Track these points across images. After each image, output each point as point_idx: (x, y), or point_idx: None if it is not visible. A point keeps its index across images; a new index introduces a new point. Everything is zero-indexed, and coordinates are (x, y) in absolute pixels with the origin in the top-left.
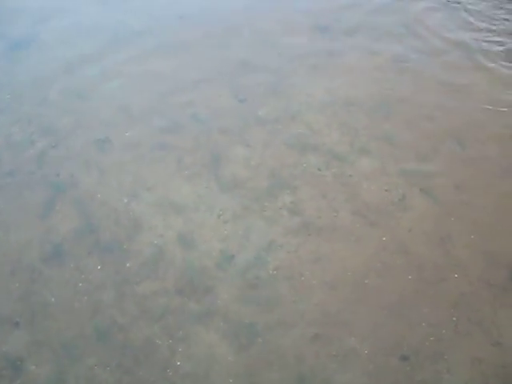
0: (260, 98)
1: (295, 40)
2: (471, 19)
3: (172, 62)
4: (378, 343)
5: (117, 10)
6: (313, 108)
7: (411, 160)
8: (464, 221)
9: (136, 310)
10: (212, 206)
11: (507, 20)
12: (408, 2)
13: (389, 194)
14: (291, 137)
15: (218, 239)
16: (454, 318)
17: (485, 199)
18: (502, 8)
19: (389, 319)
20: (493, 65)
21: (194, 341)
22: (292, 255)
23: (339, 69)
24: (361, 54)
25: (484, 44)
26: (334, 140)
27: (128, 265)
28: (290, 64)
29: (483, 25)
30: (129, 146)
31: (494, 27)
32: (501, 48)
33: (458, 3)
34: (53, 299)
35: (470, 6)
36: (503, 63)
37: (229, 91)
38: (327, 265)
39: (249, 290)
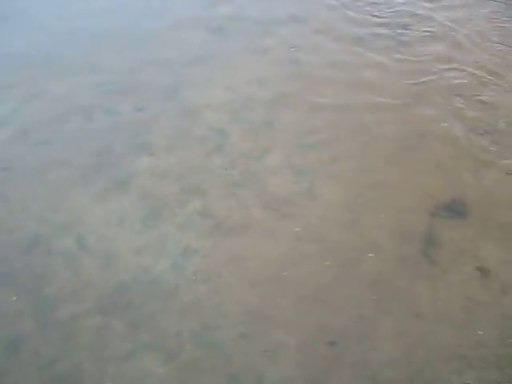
0: (158, 104)
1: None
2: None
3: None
4: (304, 333)
5: None
6: (213, 108)
7: (316, 152)
8: (372, 202)
9: (59, 337)
10: (123, 219)
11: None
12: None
13: (297, 186)
14: (194, 140)
15: (133, 252)
16: (374, 297)
17: (390, 177)
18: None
19: (312, 307)
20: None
21: (122, 358)
22: (208, 258)
23: (235, 67)
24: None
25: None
26: (238, 138)
27: (45, 291)
28: (186, 66)
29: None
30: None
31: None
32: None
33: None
34: None
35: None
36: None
37: (128, 99)
38: (244, 262)
39: (169, 298)
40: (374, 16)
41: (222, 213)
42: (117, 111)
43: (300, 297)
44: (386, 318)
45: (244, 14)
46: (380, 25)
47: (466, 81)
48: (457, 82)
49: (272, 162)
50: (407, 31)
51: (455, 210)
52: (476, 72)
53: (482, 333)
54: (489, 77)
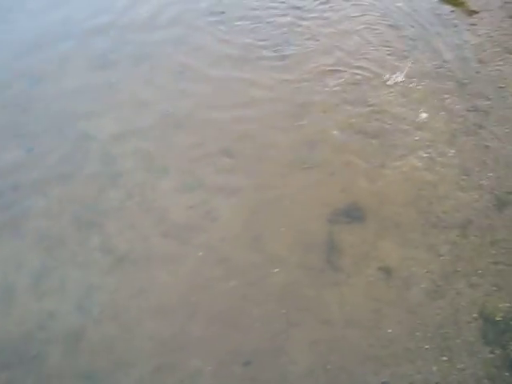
0: (47, 144)
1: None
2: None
3: None
4: (218, 357)
5: None
6: (102, 140)
7: (211, 172)
8: (271, 217)
9: None
10: (21, 265)
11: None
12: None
13: (195, 210)
14: (87, 176)
15: (35, 299)
16: (284, 311)
17: (286, 190)
18: None
19: (223, 330)
20: None
21: None
22: (114, 294)
23: (121, 99)
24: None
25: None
26: (130, 168)
27: None
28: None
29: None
30: None
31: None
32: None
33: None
34: None
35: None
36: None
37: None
38: (151, 294)
39: (77, 341)
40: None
41: (122, 246)
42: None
43: (211, 321)
44: (297, 329)
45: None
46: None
47: (349, 88)
48: (341, 90)
49: (167, 187)
50: (290, 48)
51: (352, 214)
52: (359, 77)
53: (391, 331)
54: (373, 82)
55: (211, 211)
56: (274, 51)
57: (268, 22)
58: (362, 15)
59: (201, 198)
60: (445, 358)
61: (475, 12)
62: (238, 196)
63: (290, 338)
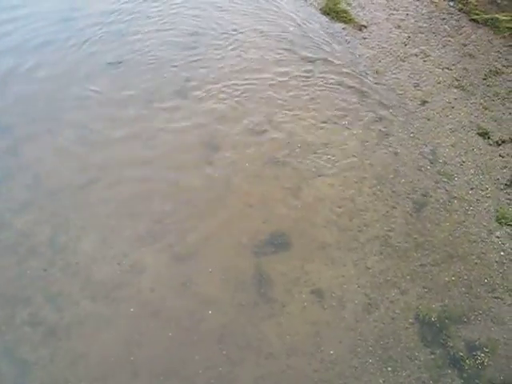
0: None
1: None
2: None
3: None
4: None
5: None
6: (16, 210)
7: (128, 224)
8: (197, 259)
9: None
10: None
11: None
12: None
13: (120, 266)
14: (5, 247)
15: None
16: (225, 352)
17: (208, 231)
18: None
19: (169, 383)
20: None
21: None
22: (49, 367)
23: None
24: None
25: None
26: (49, 234)
27: None
28: None
29: None
30: None
31: None
32: None
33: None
34: None
35: None
36: None
37: None
38: (88, 360)
39: None
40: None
41: (52, 316)
42: None
43: (154, 377)
44: (241, 368)
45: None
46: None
47: (255, 119)
48: (247, 121)
49: (89, 248)
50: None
51: (277, 243)
52: (264, 104)
53: (333, 352)
54: (275, 109)
55: (136, 264)
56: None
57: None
58: (256, 49)
59: (123, 252)
60: (389, 369)
61: (364, 26)
62: (160, 243)
63: (235, 377)
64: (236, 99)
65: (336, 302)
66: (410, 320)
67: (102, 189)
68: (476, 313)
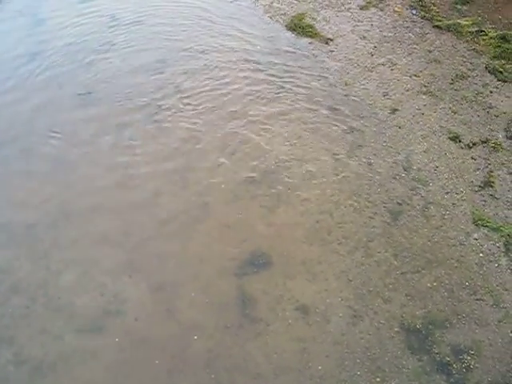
0: None
1: None
2: None
3: None
4: None
5: None
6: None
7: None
8: (178, 284)
9: None
10: None
11: None
12: None
13: (103, 297)
14: None
15: None
16: (213, 376)
17: (187, 255)
18: None
19: None
20: None
21: None
22: None
23: None
24: None
25: None
26: (29, 270)
27: None
28: None
29: None
30: None
31: None
32: None
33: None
34: None
35: None
36: None
37: None
38: None
39: None
40: None
41: (37, 353)
42: None
43: None
44: None
45: None
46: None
47: (226, 139)
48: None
49: (69, 281)
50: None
51: (257, 262)
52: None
53: (321, 367)
54: (249, 126)
55: (118, 294)
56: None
57: None
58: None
59: (104, 283)
60: (378, 380)
61: (331, 40)
62: (142, 271)
63: None
64: (204, 117)
65: (320, 317)
66: (396, 329)
67: (78, 221)
68: (459, 316)
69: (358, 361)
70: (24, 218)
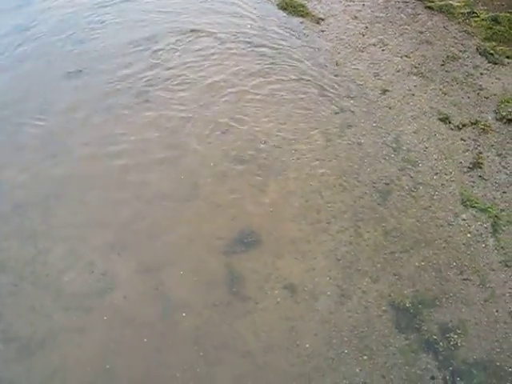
0: None
1: None
2: None
3: None
4: None
5: None
6: None
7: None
8: (166, 262)
9: None
10: None
11: None
12: None
13: (94, 275)
14: None
15: None
16: (202, 353)
17: (176, 234)
18: None
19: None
20: None
21: None
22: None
23: None
24: None
25: None
26: (16, 248)
27: None
28: None
29: None
30: None
31: None
32: None
33: None
34: None
35: None
36: None
37: None
38: (66, 373)
39: None
40: None
41: (25, 331)
42: None
43: (131, 383)
44: (219, 368)
45: None
46: None
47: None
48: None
49: (59, 257)
50: None
51: (246, 241)
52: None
53: (308, 345)
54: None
55: (107, 271)
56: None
57: None
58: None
59: (93, 260)
60: (365, 358)
61: (322, 19)
62: (130, 249)
63: (214, 378)
64: (193, 93)
65: (309, 296)
66: (384, 308)
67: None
68: (447, 295)
69: (346, 339)
70: None
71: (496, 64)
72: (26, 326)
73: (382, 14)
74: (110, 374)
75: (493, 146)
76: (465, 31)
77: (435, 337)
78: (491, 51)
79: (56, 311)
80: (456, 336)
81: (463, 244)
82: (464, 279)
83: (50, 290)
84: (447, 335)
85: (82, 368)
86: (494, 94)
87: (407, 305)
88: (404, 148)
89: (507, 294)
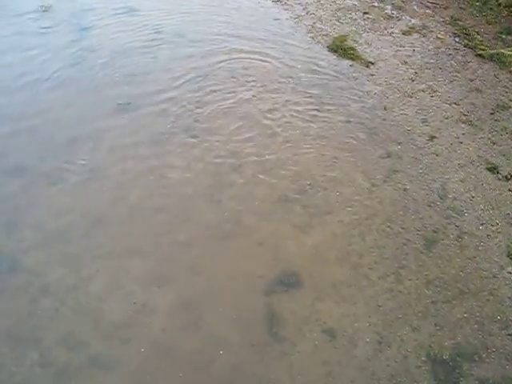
0: None
1: None
2: None
3: None
4: None
5: None
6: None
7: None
8: (207, 299)
9: None
10: None
11: None
12: None
13: (131, 305)
14: (13, 288)
15: None
16: None
17: (217, 271)
18: None
19: None
20: None
21: None
22: None
23: None
24: None
25: None
26: (60, 275)
27: None
28: None
29: None
30: None
31: None
32: None
33: None
34: None
35: None
36: None
37: None
38: None
39: None
40: None
41: (63, 357)
42: None
43: None
44: None
45: None
46: None
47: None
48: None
49: (100, 287)
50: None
51: (287, 282)
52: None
53: None
54: (288, 148)
55: (147, 303)
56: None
57: None
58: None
59: (134, 291)
60: None
61: (371, 63)
62: (171, 283)
63: None
64: (244, 136)
65: (347, 341)
66: (423, 358)
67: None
68: (489, 350)
69: None
70: None
71: None
72: (64, 351)
73: (432, 60)
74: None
75: None
76: None
77: None
78: None
79: (94, 339)
80: None
81: (508, 298)
82: (508, 334)
83: (90, 318)
84: None
85: None
86: None
87: (447, 357)
88: (450, 196)
89: None
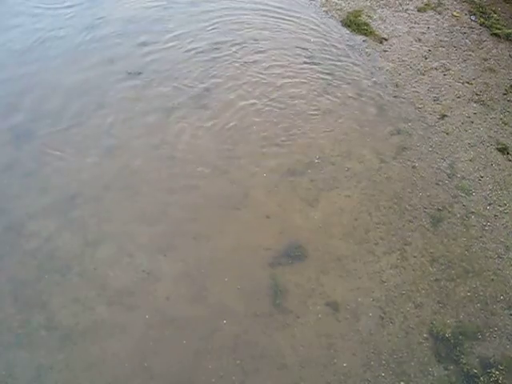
0: None
1: None
2: None
3: None
4: None
5: None
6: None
7: (145, 233)
8: (212, 268)
9: None
10: None
11: None
12: None
13: (136, 273)
14: (23, 252)
15: None
16: (238, 361)
17: (224, 241)
18: None
19: None
20: None
21: None
22: (65, 372)
23: None
24: None
25: None
26: (64, 242)
27: None
28: None
29: None
30: None
31: None
32: None
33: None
34: None
35: None
36: None
37: None
38: (103, 366)
39: None
40: None
41: (68, 321)
42: None
43: (165, 382)
44: (255, 379)
45: None
46: None
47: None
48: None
49: (107, 255)
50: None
51: (293, 254)
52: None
53: (346, 364)
54: (298, 120)
55: (152, 271)
56: None
57: None
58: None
59: (139, 260)
60: (402, 383)
61: (385, 39)
62: (177, 251)
63: None
64: (254, 109)
65: (350, 315)
66: (425, 335)
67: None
68: (491, 329)
69: (384, 362)
70: None
71: None
72: (70, 316)
73: (446, 38)
74: (147, 373)
75: None
76: None
77: (475, 370)
78: None
79: (99, 305)
80: (498, 372)
81: None
82: (511, 314)
83: (95, 284)
84: (488, 370)
85: (119, 363)
86: None
87: (449, 334)
88: (458, 175)
89: None
